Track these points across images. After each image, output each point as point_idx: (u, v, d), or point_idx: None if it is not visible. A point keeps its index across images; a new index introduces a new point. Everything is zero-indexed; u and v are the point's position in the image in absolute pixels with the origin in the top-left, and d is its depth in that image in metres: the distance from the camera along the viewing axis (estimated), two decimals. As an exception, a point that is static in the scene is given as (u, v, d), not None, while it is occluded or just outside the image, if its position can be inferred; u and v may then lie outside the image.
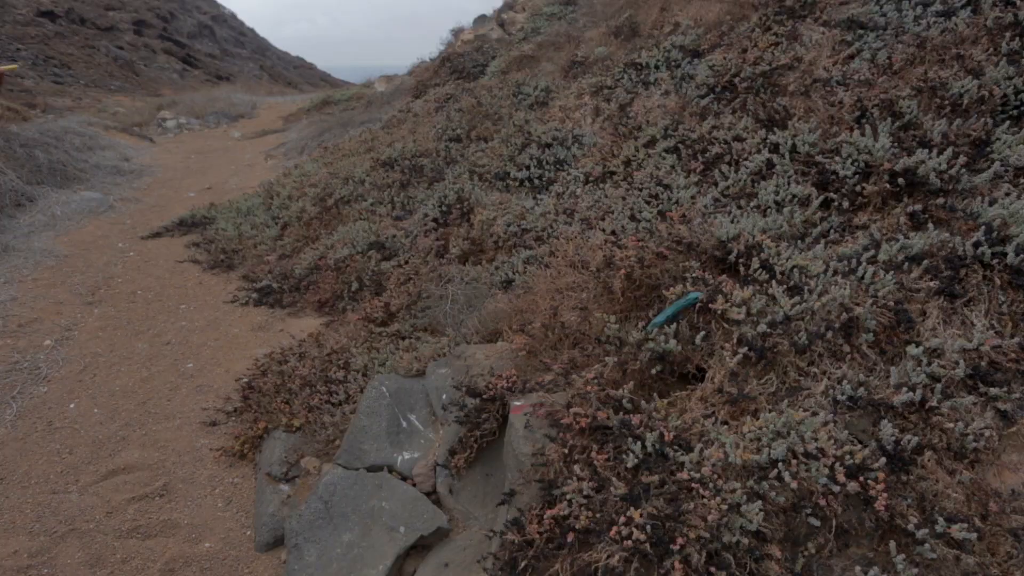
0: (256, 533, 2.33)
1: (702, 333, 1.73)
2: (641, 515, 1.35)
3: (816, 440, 1.40)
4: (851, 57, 2.77)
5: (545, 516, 1.48)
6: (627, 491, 1.42)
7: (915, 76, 2.36)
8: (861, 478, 1.34)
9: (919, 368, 1.51)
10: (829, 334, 1.62)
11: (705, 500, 1.35)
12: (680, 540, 1.29)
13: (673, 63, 3.88)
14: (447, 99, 6.71)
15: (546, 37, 6.39)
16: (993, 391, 1.44)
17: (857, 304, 1.66)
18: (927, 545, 1.25)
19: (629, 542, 1.31)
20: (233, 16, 33.87)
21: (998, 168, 1.91)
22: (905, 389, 1.47)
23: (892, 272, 1.72)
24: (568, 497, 1.47)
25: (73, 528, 2.37)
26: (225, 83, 22.13)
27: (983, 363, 1.49)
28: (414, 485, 2.13)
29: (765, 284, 1.80)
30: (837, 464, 1.36)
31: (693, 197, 2.53)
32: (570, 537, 1.40)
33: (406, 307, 3.32)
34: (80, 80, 18.52)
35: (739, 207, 2.32)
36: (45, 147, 7.95)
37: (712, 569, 1.26)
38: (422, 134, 5.71)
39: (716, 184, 2.54)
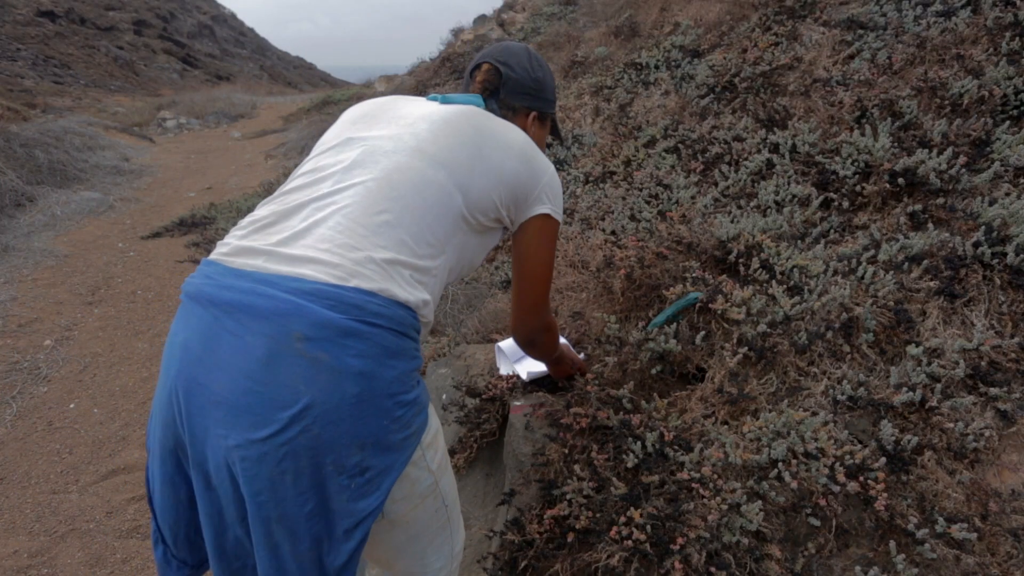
0: (256, 533, 2.33)
1: (702, 333, 1.73)
2: (641, 515, 1.35)
3: (816, 440, 1.40)
4: (851, 57, 2.77)
5: (545, 516, 1.48)
6: (627, 491, 1.42)
7: (915, 76, 2.36)
8: (861, 478, 1.34)
9: (919, 368, 1.51)
10: (829, 334, 1.62)
11: (705, 500, 1.35)
12: (680, 540, 1.29)
13: (673, 63, 3.88)
14: (447, 99, 6.71)
15: (546, 37, 6.39)
16: (993, 391, 1.44)
17: (857, 304, 1.66)
18: (927, 545, 1.25)
19: (629, 542, 1.31)
20: (233, 16, 33.90)
21: (998, 168, 1.90)
22: (905, 389, 1.47)
23: (892, 272, 1.73)
24: (568, 497, 1.47)
25: (73, 528, 2.37)
26: (225, 83, 22.14)
27: (983, 363, 1.49)
28: (414, 485, 2.13)
29: (765, 284, 1.80)
30: (837, 464, 1.36)
31: (693, 197, 2.53)
32: (570, 537, 1.40)
33: (406, 307, 3.32)
34: (80, 80, 18.52)
35: (739, 207, 2.32)
36: (45, 147, 7.95)
37: (712, 569, 1.26)
38: (422, 134, 5.71)
39: (716, 184, 2.54)
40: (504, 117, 1.26)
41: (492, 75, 1.29)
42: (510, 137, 1.15)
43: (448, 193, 1.02)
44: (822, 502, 1.33)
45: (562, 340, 1.67)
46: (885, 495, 1.31)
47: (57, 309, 4.31)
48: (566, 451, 1.61)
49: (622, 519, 1.35)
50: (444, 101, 1.19)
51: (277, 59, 33.74)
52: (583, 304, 2.09)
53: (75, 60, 19.62)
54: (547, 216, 1.18)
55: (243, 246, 0.93)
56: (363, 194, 0.95)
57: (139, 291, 4.72)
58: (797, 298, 1.70)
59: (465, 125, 1.10)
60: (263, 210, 1.00)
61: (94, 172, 8.20)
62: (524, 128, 1.29)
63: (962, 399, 1.43)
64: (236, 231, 0.98)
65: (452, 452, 2.00)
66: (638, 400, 1.67)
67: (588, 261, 2.18)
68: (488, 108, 1.27)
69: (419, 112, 1.12)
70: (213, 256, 0.96)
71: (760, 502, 1.32)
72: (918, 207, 1.91)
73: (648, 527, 1.31)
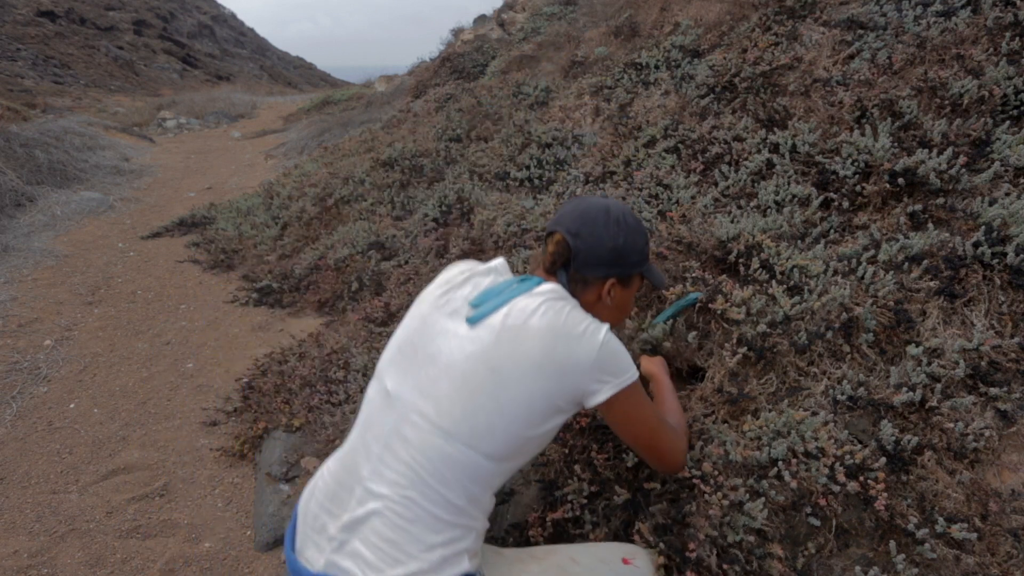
0: (256, 533, 2.33)
1: (697, 331, 1.73)
2: (648, 529, 1.35)
3: (816, 440, 1.40)
4: (851, 57, 2.77)
5: (548, 519, 1.48)
6: (630, 497, 1.42)
7: (915, 76, 2.36)
8: (861, 478, 1.34)
9: (919, 368, 1.51)
10: (829, 334, 1.62)
11: (707, 496, 1.35)
12: (692, 546, 1.29)
13: (673, 63, 3.88)
14: (447, 99, 6.71)
15: (546, 37, 6.39)
16: (993, 391, 1.44)
17: (857, 304, 1.66)
18: (927, 545, 1.25)
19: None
20: (233, 16, 33.89)
21: (998, 168, 1.90)
22: (905, 389, 1.47)
23: (892, 272, 1.73)
24: (570, 499, 1.47)
25: (73, 528, 2.37)
26: (225, 83, 22.12)
27: (983, 363, 1.49)
28: (414, 485, 2.13)
29: (765, 284, 1.80)
30: (837, 464, 1.36)
31: (693, 197, 2.53)
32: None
33: (406, 307, 3.32)
34: (80, 80, 18.52)
35: (739, 207, 2.32)
36: (45, 147, 7.95)
37: (724, 566, 1.26)
38: (422, 134, 5.71)
39: (716, 184, 2.54)
40: (573, 291, 1.23)
41: (562, 247, 1.24)
42: (533, 356, 1.10)
43: (472, 463, 1.09)
44: (822, 502, 1.33)
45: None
46: (885, 495, 1.31)
47: (57, 309, 4.31)
48: (566, 451, 1.61)
49: (632, 532, 1.35)
50: (475, 316, 1.14)
51: (277, 59, 33.74)
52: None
53: (75, 60, 19.62)
54: (613, 398, 1.13)
55: (308, 536, 1.15)
56: (397, 490, 1.08)
57: (139, 291, 4.72)
58: (797, 298, 1.70)
59: (484, 373, 1.09)
60: (334, 463, 1.21)
61: (94, 172, 8.20)
62: (599, 296, 1.26)
63: (962, 399, 1.43)
64: (317, 494, 1.18)
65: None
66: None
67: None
68: (558, 280, 1.24)
69: (446, 358, 1.13)
70: (295, 544, 1.18)
71: (762, 500, 1.32)
72: (918, 207, 1.91)
73: (660, 544, 1.31)
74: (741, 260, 1.90)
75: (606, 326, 1.15)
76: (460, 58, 8.07)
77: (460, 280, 1.22)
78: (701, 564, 1.27)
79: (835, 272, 1.79)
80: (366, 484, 1.11)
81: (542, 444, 1.19)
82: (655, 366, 1.57)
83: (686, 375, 1.78)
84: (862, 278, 1.74)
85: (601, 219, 1.23)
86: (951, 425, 1.40)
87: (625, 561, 1.25)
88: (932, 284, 1.66)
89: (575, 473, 1.53)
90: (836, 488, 1.33)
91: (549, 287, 1.18)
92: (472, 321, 1.14)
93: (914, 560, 1.26)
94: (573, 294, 1.23)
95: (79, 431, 2.98)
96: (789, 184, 2.27)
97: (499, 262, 1.27)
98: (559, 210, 1.30)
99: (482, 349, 1.11)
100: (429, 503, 1.07)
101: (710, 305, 1.75)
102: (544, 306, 1.13)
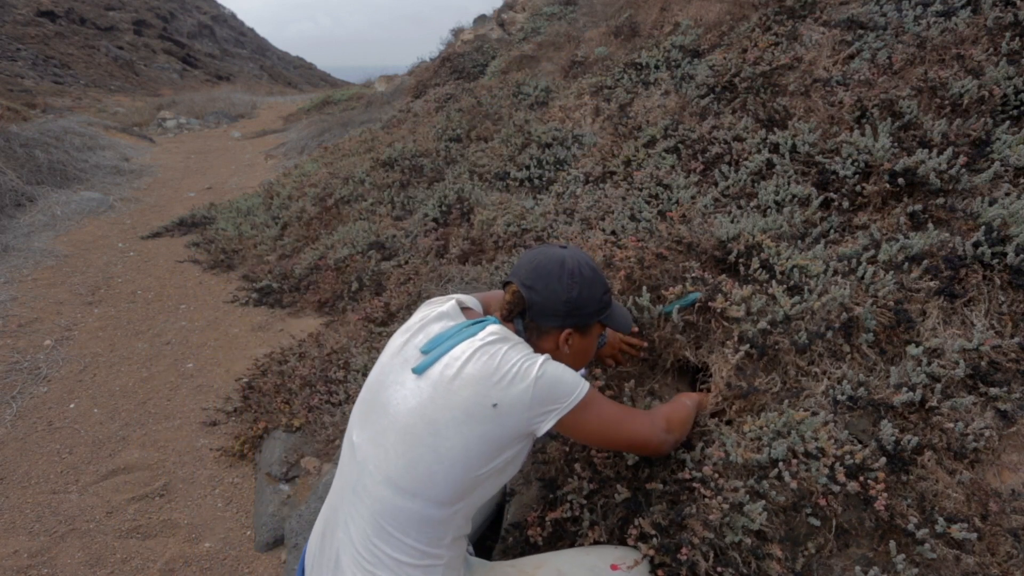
0: (256, 533, 2.33)
1: (702, 333, 1.73)
2: (650, 524, 1.34)
3: (816, 440, 1.40)
4: (851, 57, 2.77)
5: (547, 519, 1.48)
6: (630, 495, 1.42)
7: (915, 76, 2.36)
8: (861, 478, 1.34)
9: (919, 368, 1.51)
10: (829, 334, 1.62)
11: (707, 499, 1.35)
12: (685, 551, 1.29)
13: (673, 63, 3.88)
14: (447, 99, 6.70)
15: (546, 37, 6.39)
16: (993, 391, 1.44)
17: (857, 304, 1.66)
18: (927, 545, 1.25)
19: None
20: (233, 16, 33.88)
21: (998, 168, 1.90)
22: (905, 389, 1.47)
23: (892, 272, 1.72)
24: (570, 498, 1.47)
25: (73, 528, 2.37)
26: (225, 83, 22.11)
27: (983, 363, 1.49)
28: (414, 485, 2.13)
29: (765, 284, 1.80)
30: (837, 464, 1.36)
31: (693, 197, 2.53)
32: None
33: (406, 307, 3.32)
34: (80, 80, 18.51)
35: (739, 207, 2.32)
36: (45, 147, 7.95)
37: (719, 568, 1.26)
38: (422, 134, 5.71)
39: (716, 184, 2.54)
40: (529, 338, 1.25)
41: (517, 299, 1.25)
42: (466, 405, 1.12)
43: (420, 510, 1.13)
44: (822, 502, 1.33)
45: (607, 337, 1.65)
46: (885, 495, 1.31)
47: (57, 309, 4.31)
48: (566, 449, 1.61)
49: (630, 529, 1.35)
50: (420, 366, 1.16)
51: (277, 59, 33.74)
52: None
53: (75, 60, 19.61)
54: (559, 422, 1.16)
55: None
56: (363, 536, 1.15)
57: (139, 291, 4.72)
58: (797, 298, 1.70)
59: (422, 426, 1.12)
60: (326, 506, 1.29)
61: (94, 172, 8.20)
62: (556, 344, 1.27)
63: (962, 399, 1.43)
64: (316, 537, 1.28)
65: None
66: (639, 397, 1.67)
67: (588, 261, 2.18)
68: (515, 327, 1.27)
69: (393, 409, 1.17)
70: None
71: (762, 502, 1.32)
72: (918, 207, 1.91)
73: (655, 539, 1.31)
74: (741, 260, 1.90)
75: (543, 358, 1.16)
76: (460, 58, 8.07)
77: (416, 328, 1.25)
78: (696, 567, 1.27)
79: (835, 272, 1.79)
80: (344, 530, 1.19)
81: (503, 475, 1.19)
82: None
83: (676, 370, 1.78)
84: (862, 278, 1.74)
85: (555, 272, 1.23)
86: (951, 425, 1.40)
87: (614, 567, 1.25)
88: (932, 284, 1.66)
89: (575, 472, 1.53)
90: (836, 488, 1.33)
91: (493, 329, 1.19)
92: (417, 371, 1.17)
93: (914, 560, 1.26)
94: (529, 341, 1.25)
95: (79, 431, 2.98)
96: (789, 184, 2.27)
97: (450, 306, 1.28)
98: (518, 259, 1.29)
99: (420, 404, 1.14)
100: (391, 549, 1.13)
101: (710, 304, 1.75)
102: (479, 352, 1.14)
